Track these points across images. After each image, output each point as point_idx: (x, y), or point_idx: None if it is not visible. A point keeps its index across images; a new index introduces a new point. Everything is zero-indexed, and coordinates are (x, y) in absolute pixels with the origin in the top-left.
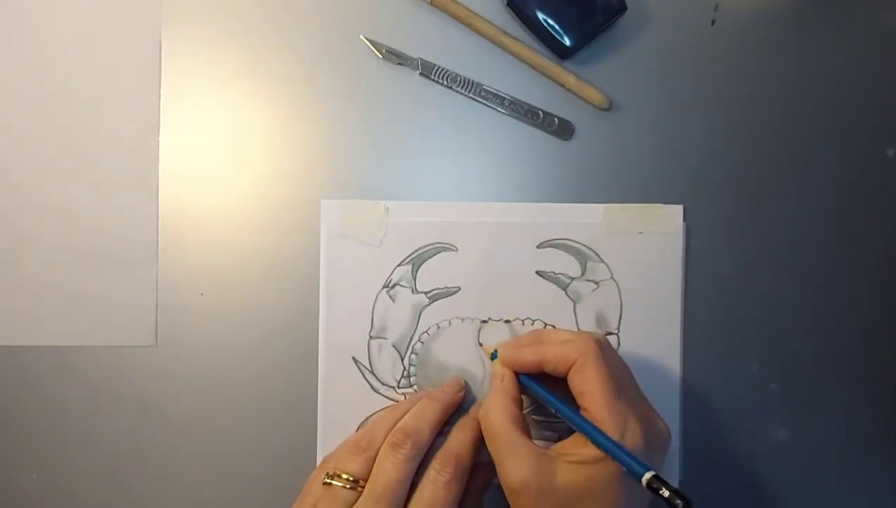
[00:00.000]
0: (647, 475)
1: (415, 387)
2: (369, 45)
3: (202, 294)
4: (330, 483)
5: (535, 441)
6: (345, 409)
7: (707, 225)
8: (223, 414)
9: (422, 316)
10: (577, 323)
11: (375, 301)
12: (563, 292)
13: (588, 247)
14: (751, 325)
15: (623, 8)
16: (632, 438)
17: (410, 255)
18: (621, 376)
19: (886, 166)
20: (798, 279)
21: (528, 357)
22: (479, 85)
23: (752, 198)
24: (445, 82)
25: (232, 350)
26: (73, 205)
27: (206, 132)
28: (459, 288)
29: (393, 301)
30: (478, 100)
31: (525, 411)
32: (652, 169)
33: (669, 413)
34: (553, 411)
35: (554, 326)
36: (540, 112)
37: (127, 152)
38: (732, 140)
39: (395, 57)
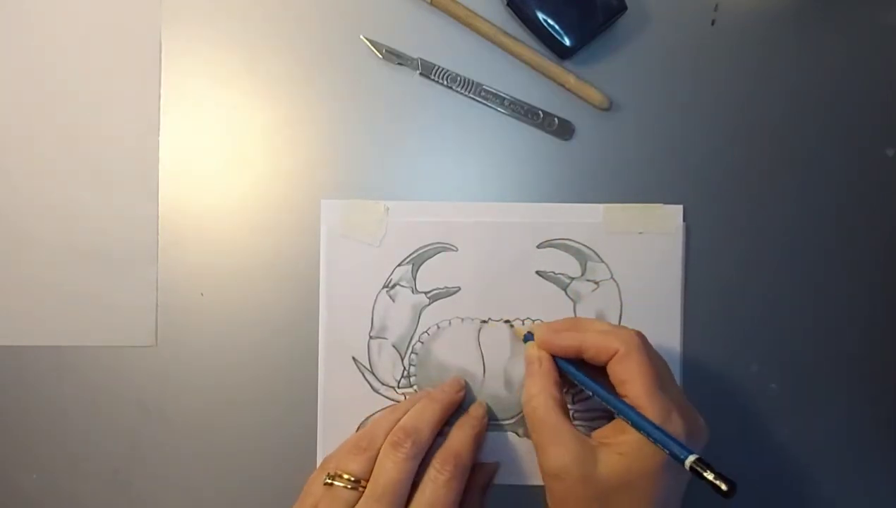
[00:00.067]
0: (691, 458)
1: (415, 387)
2: (369, 45)
3: (202, 294)
4: (331, 484)
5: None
6: (345, 409)
7: (707, 225)
8: (223, 414)
9: (422, 316)
10: None
11: (375, 301)
12: (563, 292)
13: (588, 247)
14: (751, 325)
15: (623, 8)
16: (673, 428)
17: (410, 255)
18: (662, 370)
19: (886, 166)
20: (798, 279)
21: (568, 341)
22: (479, 85)
23: (752, 198)
24: (445, 82)
25: (232, 350)
26: (73, 205)
27: (206, 132)
28: (459, 288)
29: (393, 301)
30: (478, 100)
31: None
32: (652, 169)
33: None
34: (587, 397)
35: None
36: (540, 112)
37: (127, 152)
38: (732, 140)
39: (395, 57)
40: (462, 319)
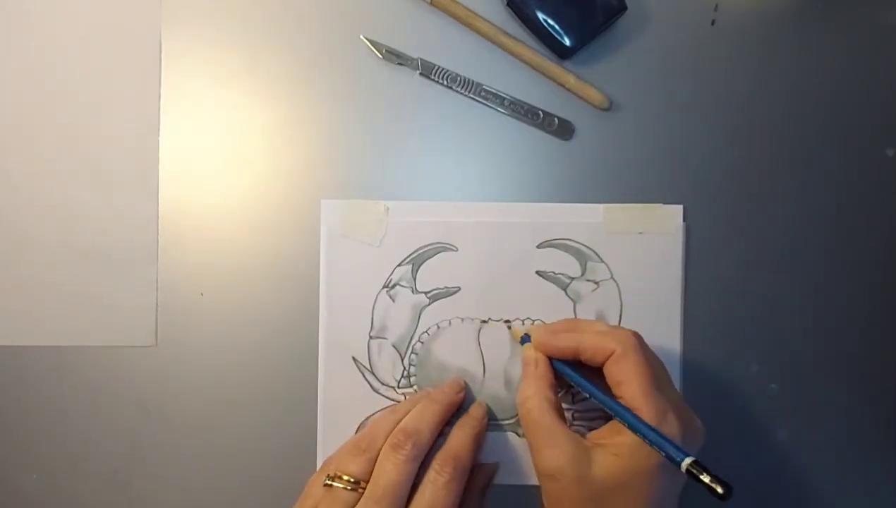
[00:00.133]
0: (687, 460)
1: (415, 387)
2: (369, 45)
3: (202, 294)
4: (331, 485)
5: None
6: (345, 409)
7: (707, 225)
8: (223, 414)
9: (422, 316)
10: None
11: (375, 301)
12: (563, 292)
13: (588, 247)
14: (751, 325)
15: (623, 8)
16: (669, 429)
17: (410, 255)
18: (658, 370)
19: (886, 166)
20: (798, 279)
21: (565, 342)
22: (479, 85)
23: (752, 198)
24: (445, 82)
25: (232, 350)
26: (73, 205)
27: (206, 132)
28: (459, 288)
29: (393, 301)
30: (478, 100)
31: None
32: (652, 169)
33: None
34: (586, 397)
35: None
36: (540, 112)
37: (127, 152)
38: (732, 140)
39: (395, 57)
40: (462, 319)
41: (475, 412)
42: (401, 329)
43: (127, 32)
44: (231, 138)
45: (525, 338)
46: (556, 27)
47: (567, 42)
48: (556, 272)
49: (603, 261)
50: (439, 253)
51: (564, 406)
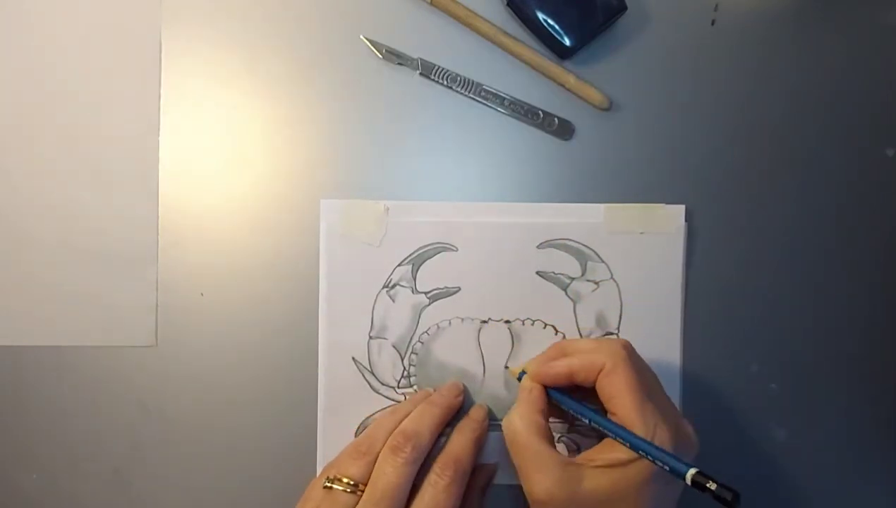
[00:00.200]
0: (692, 471)
1: (415, 387)
2: (369, 45)
3: (202, 294)
4: (331, 487)
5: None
6: (345, 409)
7: (708, 225)
8: (223, 414)
9: (422, 317)
10: (577, 323)
11: (375, 301)
12: (563, 292)
13: (588, 247)
14: (751, 325)
15: (623, 8)
16: (660, 440)
17: (410, 255)
18: (650, 380)
19: (886, 166)
20: (798, 279)
21: (557, 369)
22: (479, 85)
23: (753, 198)
24: (445, 82)
25: (232, 350)
26: (73, 205)
27: (206, 132)
28: (459, 288)
29: (393, 301)
30: (478, 100)
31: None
32: (652, 169)
33: None
34: (585, 423)
35: (554, 327)
36: (540, 112)
37: (127, 152)
38: (732, 140)
39: (395, 57)
40: (462, 319)
41: (476, 414)
42: (401, 329)
43: (127, 32)
44: (231, 138)
45: (522, 376)
46: (556, 27)
47: (567, 42)
48: (557, 272)
49: (603, 261)
50: (439, 253)
51: (559, 433)
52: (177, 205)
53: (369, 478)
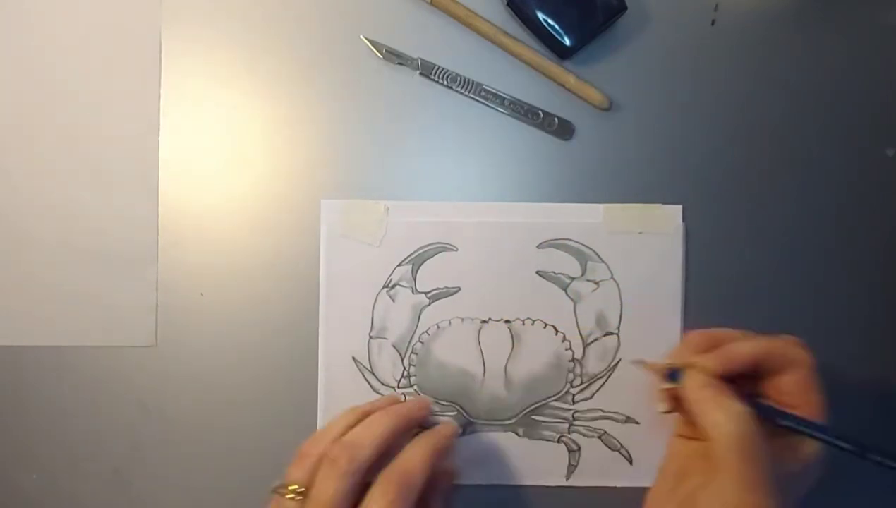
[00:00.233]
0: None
1: (415, 387)
2: (369, 45)
3: (202, 294)
4: (277, 493)
5: None
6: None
7: (706, 225)
8: (223, 414)
9: (422, 316)
10: (577, 322)
11: (375, 301)
12: (563, 292)
13: (588, 247)
14: (751, 325)
15: (623, 8)
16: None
17: (410, 255)
18: None
19: (886, 166)
20: (798, 279)
21: (744, 353)
22: (479, 85)
23: (752, 198)
24: (445, 82)
25: (232, 350)
26: (73, 205)
27: (206, 132)
28: (459, 289)
29: (393, 301)
30: (478, 100)
31: None
32: (652, 169)
33: None
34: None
35: (554, 327)
36: (540, 112)
37: (127, 152)
38: (732, 140)
39: (395, 57)
40: (462, 319)
41: (443, 430)
42: (401, 329)
43: (127, 32)
44: (231, 138)
45: (675, 374)
46: (556, 27)
47: (567, 42)
48: (556, 272)
49: (603, 261)
50: (439, 253)
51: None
52: (177, 205)
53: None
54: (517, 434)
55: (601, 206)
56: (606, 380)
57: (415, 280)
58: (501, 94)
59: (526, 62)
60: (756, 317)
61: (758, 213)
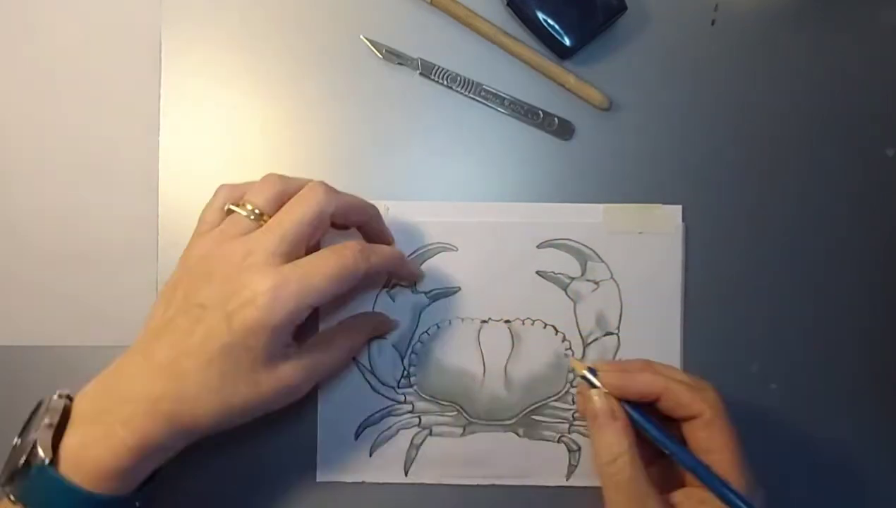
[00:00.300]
0: None
1: (415, 387)
2: (369, 45)
3: None
4: (232, 211)
5: None
6: (345, 409)
7: (706, 225)
8: None
9: (422, 316)
10: (577, 323)
11: (375, 301)
12: (563, 292)
13: (588, 247)
14: (751, 325)
15: (623, 8)
16: (760, 503)
17: (410, 255)
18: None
19: (886, 166)
20: (798, 279)
21: (645, 384)
22: (479, 85)
23: (752, 198)
24: (445, 82)
25: None
26: (73, 204)
27: (206, 132)
28: (459, 289)
29: (393, 301)
30: (478, 100)
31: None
32: (652, 169)
33: None
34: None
35: (554, 327)
36: (540, 112)
37: (127, 152)
38: (732, 140)
39: (395, 57)
40: (462, 319)
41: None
42: (401, 329)
43: (127, 32)
44: (231, 138)
45: (592, 372)
46: (556, 27)
47: (567, 42)
48: (556, 272)
49: (603, 261)
50: (439, 253)
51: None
52: (177, 205)
53: (273, 213)
54: (517, 434)
55: (601, 206)
56: None
57: None
58: (501, 94)
59: (526, 62)
60: (756, 317)
61: (758, 213)
